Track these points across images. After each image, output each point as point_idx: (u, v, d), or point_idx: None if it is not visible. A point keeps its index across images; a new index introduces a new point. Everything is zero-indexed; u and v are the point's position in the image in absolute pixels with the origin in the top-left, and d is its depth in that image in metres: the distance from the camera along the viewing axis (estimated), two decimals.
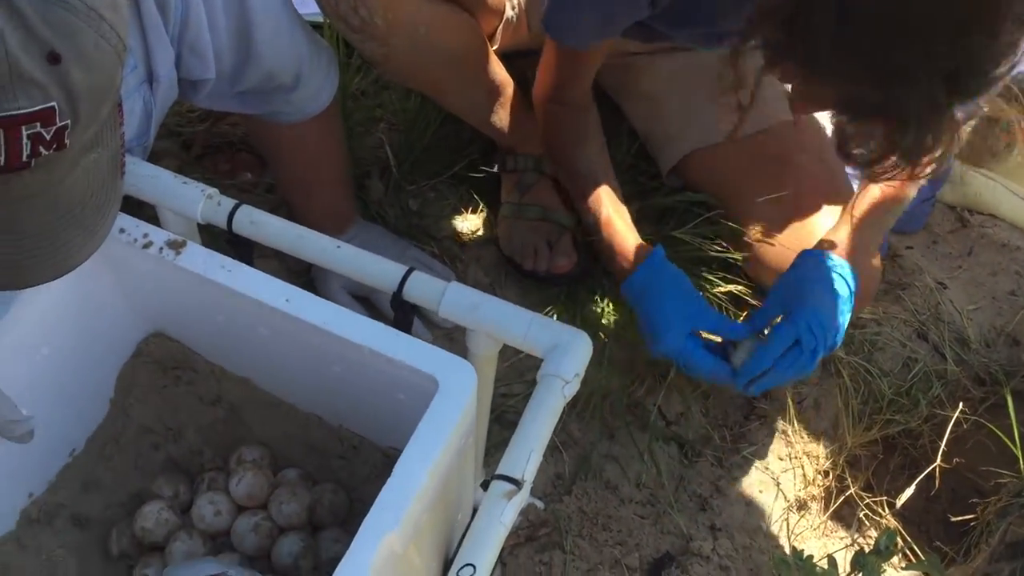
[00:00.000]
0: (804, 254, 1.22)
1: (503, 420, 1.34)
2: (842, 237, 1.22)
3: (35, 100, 0.68)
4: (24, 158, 0.69)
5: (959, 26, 0.83)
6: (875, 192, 1.26)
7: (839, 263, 1.18)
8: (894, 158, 0.93)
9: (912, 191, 1.27)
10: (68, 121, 0.70)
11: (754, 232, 1.44)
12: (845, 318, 1.17)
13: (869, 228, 1.23)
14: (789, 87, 1.06)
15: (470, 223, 1.57)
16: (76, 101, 0.70)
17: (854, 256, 1.20)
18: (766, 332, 1.20)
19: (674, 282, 1.23)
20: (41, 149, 0.70)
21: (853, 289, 1.18)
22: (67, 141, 0.71)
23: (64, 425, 1.02)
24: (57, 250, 0.77)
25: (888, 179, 0.98)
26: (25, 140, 0.68)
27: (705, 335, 1.21)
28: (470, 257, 1.53)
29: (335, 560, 1.02)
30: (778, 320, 1.17)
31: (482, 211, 1.57)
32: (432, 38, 1.31)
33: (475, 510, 1.11)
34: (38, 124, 0.68)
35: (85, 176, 0.76)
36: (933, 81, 0.86)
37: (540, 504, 1.29)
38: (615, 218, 1.32)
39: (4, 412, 0.84)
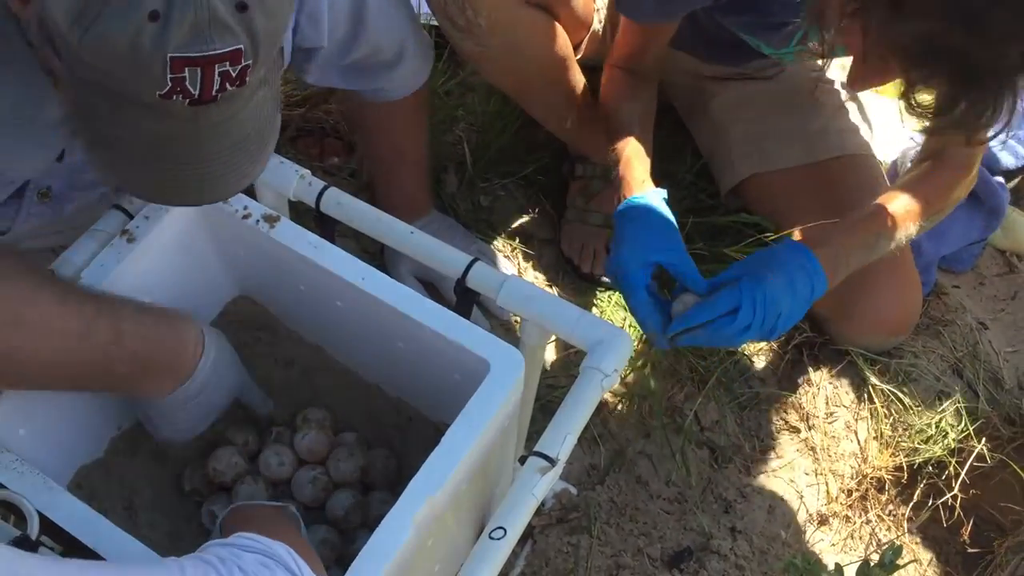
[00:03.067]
0: (788, 241, 1.24)
1: (547, 409, 1.42)
2: (832, 242, 1.21)
3: (227, 43, 0.79)
4: (213, 92, 0.81)
5: None
6: (879, 212, 1.27)
7: (815, 266, 1.17)
8: (953, 115, 0.97)
9: (912, 229, 1.27)
10: (250, 61, 0.81)
11: None
12: (795, 314, 1.16)
13: (858, 247, 1.24)
14: (849, 69, 1.12)
15: (535, 223, 1.66)
16: (257, 44, 0.81)
17: (833, 265, 1.19)
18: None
19: (658, 218, 1.23)
20: (227, 85, 0.81)
21: (815, 295, 1.17)
22: (247, 79, 0.82)
23: None
24: (230, 172, 0.89)
25: (939, 134, 1.03)
26: (216, 77, 0.80)
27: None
28: (531, 255, 1.62)
29: (381, 519, 1.12)
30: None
31: (548, 213, 1.67)
32: (527, 42, 1.40)
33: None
34: (227, 63, 0.80)
35: (256, 110, 0.88)
36: (1014, 41, 0.90)
37: (573, 490, 1.39)
38: (634, 160, 1.34)
39: None
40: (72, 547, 0.88)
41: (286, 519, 0.93)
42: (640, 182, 1.29)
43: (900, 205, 1.27)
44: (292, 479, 1.14)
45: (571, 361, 1.50)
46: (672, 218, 1.24)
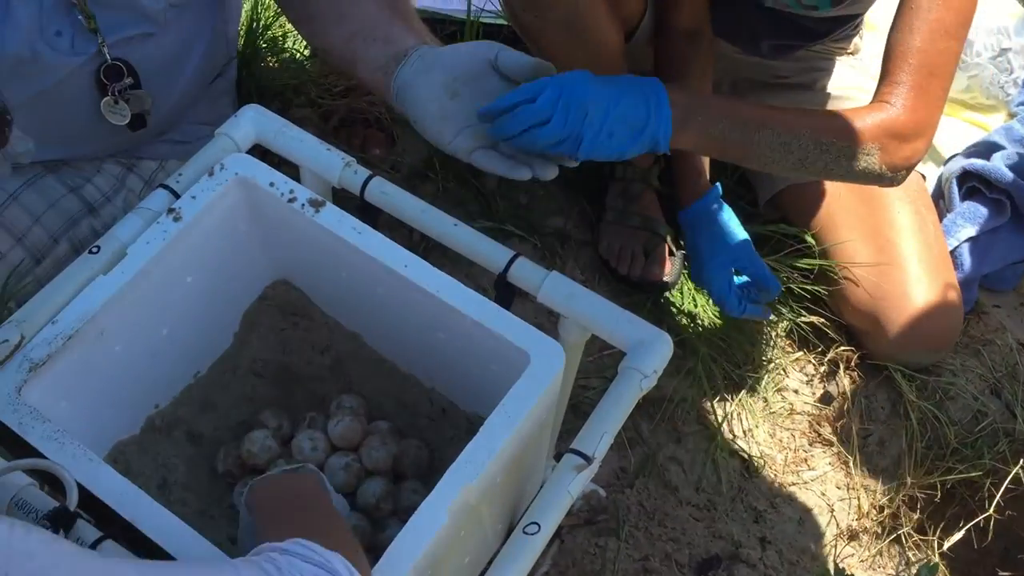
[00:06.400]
0: None
1: (578, 410, 1.42)
2: (701, 94, 1.18)
3: None
4: None
5: None
6: (771, 105, 1.17)
7: (658, 95, 1.06)
8: None
9: (807, 139, 1.13)
10: None
11: (841, 270, 1.50)
12: (608, 129, 1.05)
13: (729, 116, 1.10)
14: None
15: (573, 223, 1.65)
16: None
17: (687, 112, 1.07)
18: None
19: (723, 222, 1.27)
20: None
21: (651, 129, 1.05)
22: None
23: (194, 348, 1.14)
24: None
25: None
26: None
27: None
28: (568, 254, 1.62)
29: (411, 508, 1.11)
30: None
31: (586, 213, 1.66)
32: (584, 20, 1.38)
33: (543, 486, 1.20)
34: None
35: None
36: None
37: (602, 492, 1.38)
38: (685, 153, 1.35)
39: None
40: (107, 521, 0.88)
41: (314, 486, 0.91)
42: (697, 177, 1.29)
43: (799, 112, 1.17)
44: (324, 464, 1.14)
45: (604, 363, 1.49)
46: (733, 218, 1.25)
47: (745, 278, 1.42)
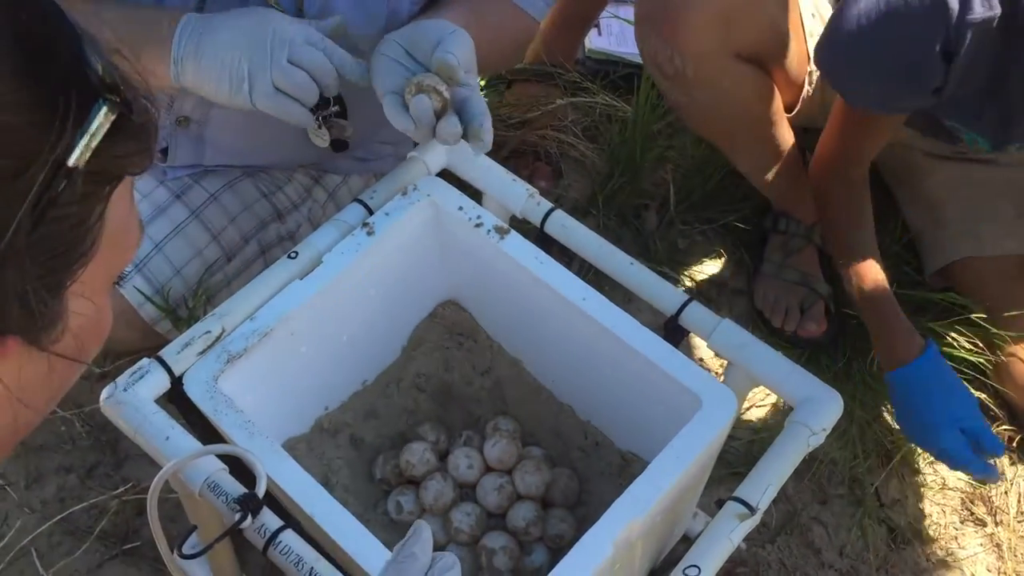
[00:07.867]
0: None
1: (722, 458, 1.41)
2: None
3: None
4: None
5: None
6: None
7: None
8: None
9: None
10: None
11: (1009, 345, 1.46)
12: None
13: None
14: None
15: (729, 272, 1.65)
16: None
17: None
18: None
19: (948, 382, 1.28)
20: None
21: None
22: None
23: (364, 358, 1.19)
24: None
25: None
26: None
27: None
28: (723, 303, 1.62)
29: (557, 536, 1.14)
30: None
31: (743, 264, 1.66)
32: (733, 96, 1.40)
33: (685, 535, 1.19)
34: None
35: None
36: None
37: (743, 544, 1.36)
38: (885, 301, 1.34)
39: None
40: (279, 512, 0.92)
41: None
42: (903, 334, 1.31)
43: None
44: (478, 483, 1.17)
45: (752, 415, 1.48)
46: (954, 375, 1.29)
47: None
